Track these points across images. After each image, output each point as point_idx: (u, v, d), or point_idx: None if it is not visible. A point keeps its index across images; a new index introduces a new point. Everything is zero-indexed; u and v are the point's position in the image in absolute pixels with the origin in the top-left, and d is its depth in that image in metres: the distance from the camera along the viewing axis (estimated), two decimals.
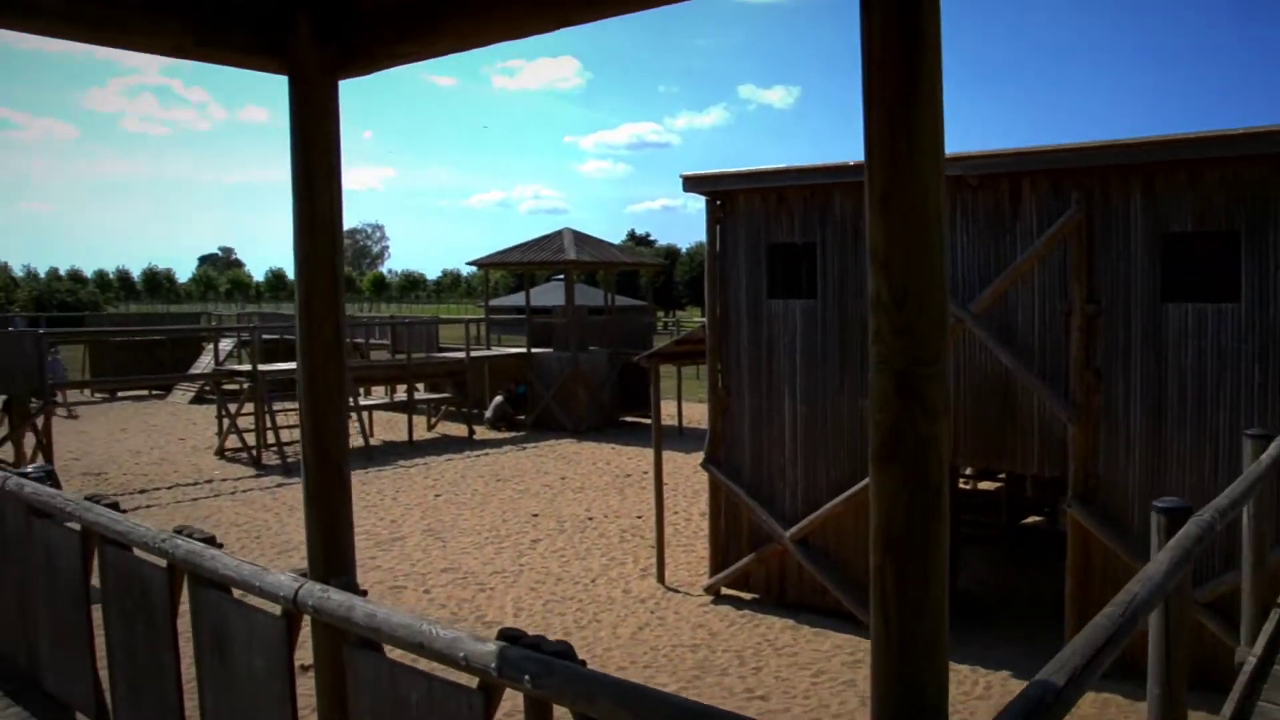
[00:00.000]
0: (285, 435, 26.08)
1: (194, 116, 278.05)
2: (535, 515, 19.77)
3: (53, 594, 5.05)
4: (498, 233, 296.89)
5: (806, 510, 13.22)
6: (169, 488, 23.65)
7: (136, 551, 4.33)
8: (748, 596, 14.39)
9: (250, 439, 26.36)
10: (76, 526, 4.72)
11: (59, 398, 32.40)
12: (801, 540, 13.28)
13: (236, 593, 3.73)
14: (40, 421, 22.36)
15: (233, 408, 26.65)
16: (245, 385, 26.73)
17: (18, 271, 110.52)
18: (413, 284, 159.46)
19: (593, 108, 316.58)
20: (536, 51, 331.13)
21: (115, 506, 4.64)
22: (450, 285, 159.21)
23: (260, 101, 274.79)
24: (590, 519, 19.47)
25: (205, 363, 38.05)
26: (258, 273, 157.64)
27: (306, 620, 3.41)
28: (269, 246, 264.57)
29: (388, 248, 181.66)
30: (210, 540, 4.01)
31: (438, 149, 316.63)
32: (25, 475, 5.31)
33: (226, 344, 36.73)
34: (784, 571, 13.64)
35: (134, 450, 27.68)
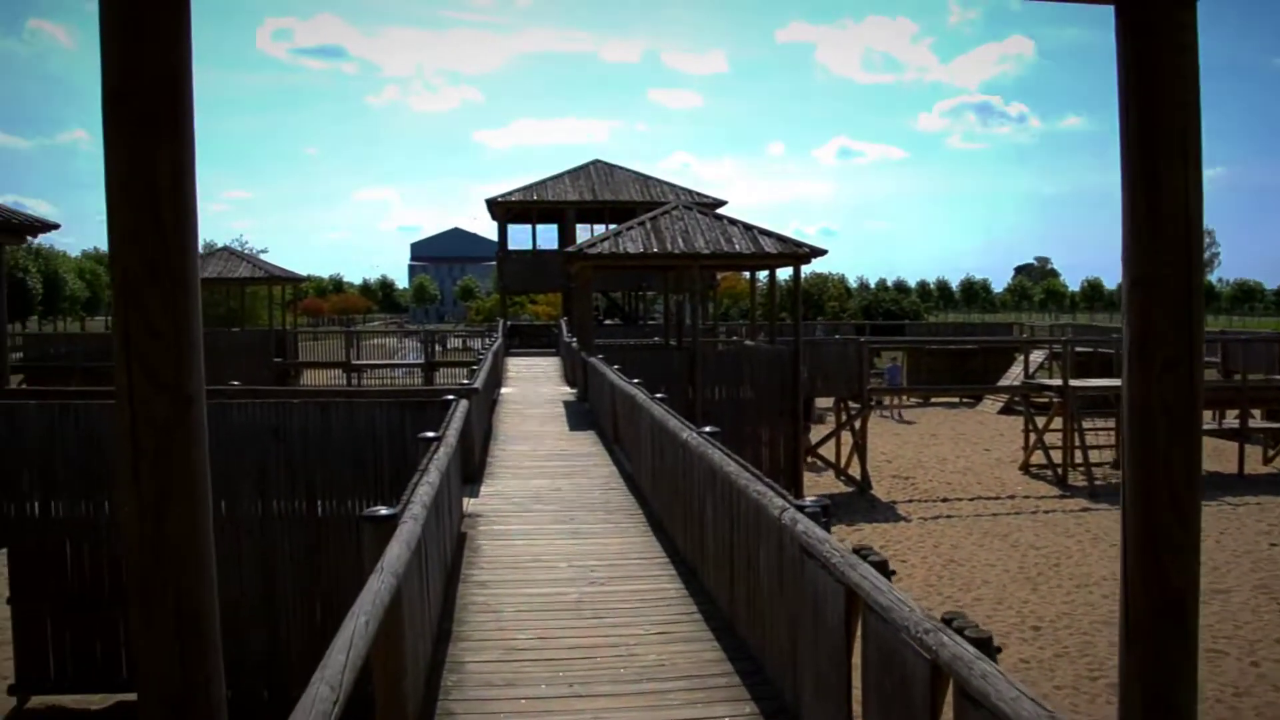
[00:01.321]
0: (1094, 456, 24.27)
1: (1012, 130, 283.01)
2: None
3: (816, 642, 4.46)
4: None
5: None
6: (970, 499, 23.44)
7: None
8: None
9: (1056, 456, 25.05)
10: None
11: (885, 402, 34.62)
12: None
13: None
14: (859, 424, 23.89)
15: (1040, 422, 25.54)
16: (1054, 400, 25.44)
17: (853, 283, 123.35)
18: (1247, 294, 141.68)
19: None
20: None
21: (883, 567, 3.82)
22: None
23: (1078, 109, 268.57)
24: None
25: (1015, 374, 37.66)
26: (1073, 282, 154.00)
27: None
28: (1086, 254, 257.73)
29: (1218, 254, 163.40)
30: (884, 566, 3.10)
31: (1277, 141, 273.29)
32: (802, 508, 4.82)
33: (1038, 356, 35.84)
34: None
35: (941, 457, 28.21)
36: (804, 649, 4.65)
